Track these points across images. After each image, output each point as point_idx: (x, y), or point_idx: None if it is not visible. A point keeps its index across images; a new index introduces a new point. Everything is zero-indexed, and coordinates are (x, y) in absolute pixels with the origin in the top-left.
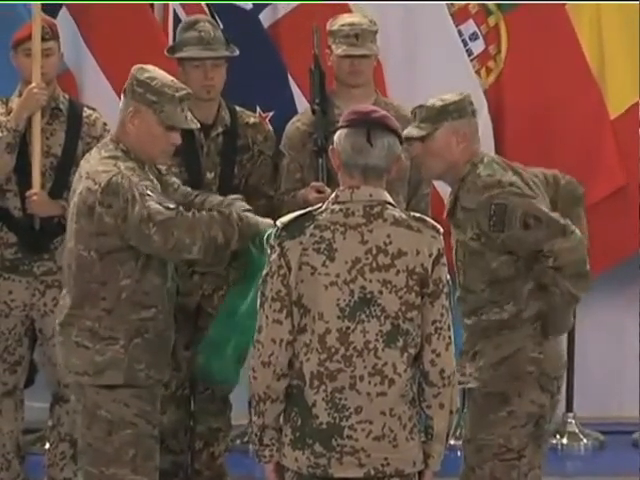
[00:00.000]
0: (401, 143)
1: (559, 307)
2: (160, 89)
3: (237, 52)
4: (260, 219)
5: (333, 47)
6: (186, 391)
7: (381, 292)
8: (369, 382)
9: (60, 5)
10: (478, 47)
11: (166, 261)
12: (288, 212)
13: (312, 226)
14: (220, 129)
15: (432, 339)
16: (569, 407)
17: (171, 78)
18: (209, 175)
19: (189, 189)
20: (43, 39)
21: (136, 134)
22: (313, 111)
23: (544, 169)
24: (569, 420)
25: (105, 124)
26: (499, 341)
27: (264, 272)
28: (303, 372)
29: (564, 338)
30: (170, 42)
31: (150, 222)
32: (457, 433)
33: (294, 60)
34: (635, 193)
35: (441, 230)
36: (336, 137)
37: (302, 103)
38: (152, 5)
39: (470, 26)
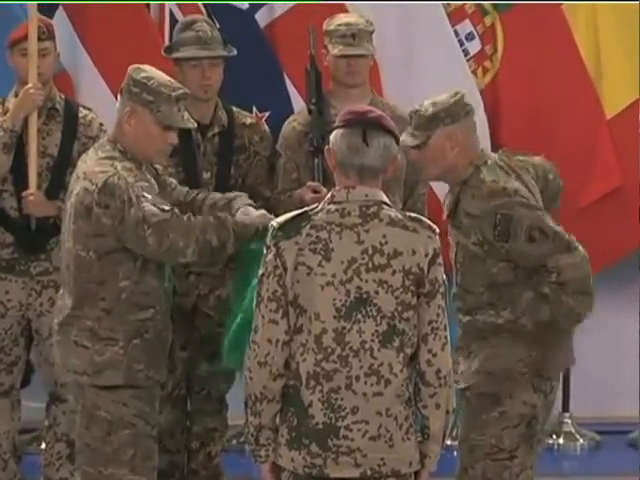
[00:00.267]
0: (397, 143)
1: (561, 324)
2: (157, 89)
3: (234, 52)
4: (256, 215)
5: (329, 47)
6: (182, 391)
7: (377, 292)
8: (365, 382)
9: (56, 5)
10: (474, 47)
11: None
12: (284, 212)
13: (308, 226)
14: (217, 129)
15: (428, 339)
16: (565, 407)
17: (168, 78)
18: (206, 175)
19: (187, 189)
20: (39, 39)
21: (133, 134)
22: (309, 111)
23: (536, 159)
24: (565, 420)
25: (101, 124)
26: (493, 344)
27: (260, 272)
28: (299, 372)
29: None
30: (166, 42)
31: (145, 224)
32: (453, 433)
33: (290, 60)
34: (632, 193)
35: (437, 230)
36: (332, 137)
37: (298, 103)
38: (148, 5)
39: (466, 26)
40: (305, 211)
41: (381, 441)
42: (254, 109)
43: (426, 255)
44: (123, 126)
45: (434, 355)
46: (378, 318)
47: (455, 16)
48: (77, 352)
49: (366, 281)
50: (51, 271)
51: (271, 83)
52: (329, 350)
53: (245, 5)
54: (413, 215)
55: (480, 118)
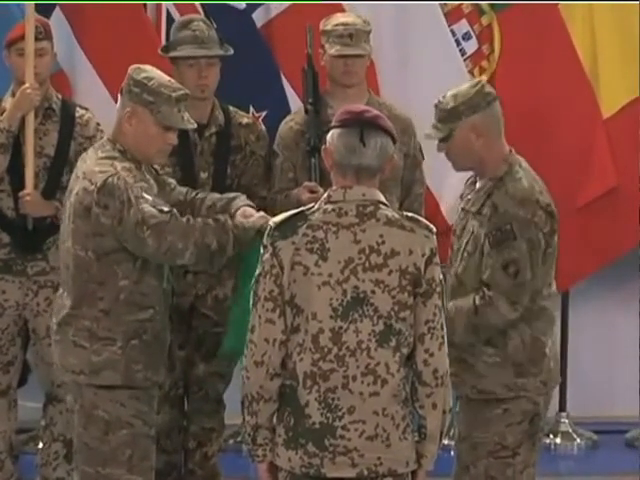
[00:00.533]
0: (394, 143)
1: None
2: (157, 89)
3: (231, 51)
4: (256, 217)
5: (327, 47)
6: (180, 391)
7: (374, 292)
8: (362, 382)
9: (54, 5)
10: (471, 47)
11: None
12: (281, 212)
13: (305, 226)
14: (214, 129)
15: (425, 339)
16: (562, 407)
17: (168, 78)
18: (203, 175)
19: (186, 189)
20: (36, 39)
21: (133, 134)
22: (306, 111)
23: None
24: (562, 420)
25: (98, 124)
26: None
27: (257, 272)
28: (296, 372)
29: (556, 340)
30: (163, 42)
31: (144, 225)
32: (450, 433)
33: (287, 60)
34: (631, 193)
35: (434, 230)
36: (329, 137)
37: (295, 103)
38: (145, 5)
39: (463, 26)
40: (302, 211)
41: (378, 441)
42: (251, 109)
43: (423, 255)
44: (123, 126)
45: (431, 355)
46: (375, 318)
47: (452, 16)
48: (75, 352)
49: (363, 281)
50: (48, 271)
51: (268, 83)
52: (326, 350)
53: (242, 5)
54: (410, 215)
55: None
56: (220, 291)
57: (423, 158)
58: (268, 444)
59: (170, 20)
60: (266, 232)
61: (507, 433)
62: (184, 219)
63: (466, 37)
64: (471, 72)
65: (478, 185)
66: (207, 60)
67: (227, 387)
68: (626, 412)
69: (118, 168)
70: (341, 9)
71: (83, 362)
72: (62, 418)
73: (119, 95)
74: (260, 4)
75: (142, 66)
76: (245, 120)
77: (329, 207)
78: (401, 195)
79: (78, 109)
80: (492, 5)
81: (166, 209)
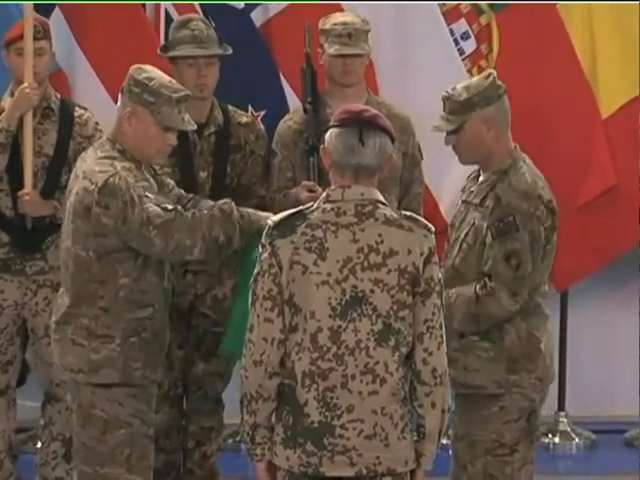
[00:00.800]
0: (393, 142)
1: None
2: (157, 90)
3: (230, 50)
4: (262, 214)
5: (325, 46)
6: (179, 390)
7: (372, 291)
8: (360, 381)
9: (53, 5)
10: (470, 46)
11: (164, 260)
12: (280, 211)
13: (303, 225)
14: (213, 128)
15: (424, 338)
16: (561, 406)
17: (169, 79)
18: (202, 174)
19: (182, 192)
20: (35, 38)
21: (133, 134)
22: (305, 110)
23: None
24: (561, 419)
25: (97, 124)
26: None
27: (255, 271)
28: (295, 371)
29: (554, 336)
30: (162, 42)
31: (150, 225)
32: (449, 432)
33: (286, 59)
34: (631, 192)
35: (433, 229)
36: (327, 136)
37: (294, 102)
38: (144, 5)
39: (462, 25)
40: (300, 210)
41: (376, 440)
42: (250, 108)
43: (421, 254)
44: (123, 126)
45: (430, 354)
46: (373, 317)
47: (450, 15)
48: (74, 350)
49: (361, 280)
50: (47, 270)
51: (267, 82)
52: (324, 349)
53: (241, 4)
54: (409, 214)
55: None
56: (219, 290)
57: (422, 157)
58: (267, 443)
59: (169, 20)
60: (265, 231)
61: (504, 431)
62: (189, 214)
63: (465, 37)
64: (470, 71)
65: (481, 178)
66: (206, 60)
67: (226, 386)
68: (625, 412)
69: (118, 168)
70: (340, 8)
71: (82, 360)
72: (61, 417)
73: (119, 95)
74: (259, 3)
75: (143, 66)
76: (244, 119)
77: (328, 206)
78: (400, 194)
79: (77, 109)
80: (491, 5)
81: (170, 207)
